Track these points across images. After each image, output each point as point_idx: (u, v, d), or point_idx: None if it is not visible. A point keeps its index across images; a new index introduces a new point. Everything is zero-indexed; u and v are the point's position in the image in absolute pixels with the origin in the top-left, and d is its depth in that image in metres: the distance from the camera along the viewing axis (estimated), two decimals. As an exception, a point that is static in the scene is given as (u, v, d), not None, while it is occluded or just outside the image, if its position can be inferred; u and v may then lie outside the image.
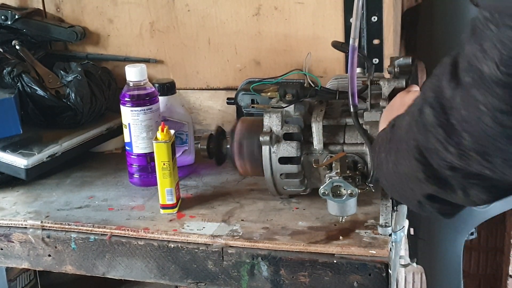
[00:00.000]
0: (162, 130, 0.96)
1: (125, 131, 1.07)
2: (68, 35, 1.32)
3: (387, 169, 0.66)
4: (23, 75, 1.17)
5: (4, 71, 1.17)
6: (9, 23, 1.30)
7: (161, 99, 1.09)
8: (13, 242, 0.99)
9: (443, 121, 0.53)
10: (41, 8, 1.36)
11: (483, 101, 0.49)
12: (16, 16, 1.29)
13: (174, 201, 0.98)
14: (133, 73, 1.05)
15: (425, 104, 0.55)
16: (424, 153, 0.57)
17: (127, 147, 1.08)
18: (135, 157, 1.07)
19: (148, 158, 1.07)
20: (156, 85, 1.11)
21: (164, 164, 0.96)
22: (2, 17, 1.29)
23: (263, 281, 0.89)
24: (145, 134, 1.06)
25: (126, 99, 1.05)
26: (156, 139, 0.96)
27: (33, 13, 1.34)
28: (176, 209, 0.99)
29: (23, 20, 1.30)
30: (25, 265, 1.00)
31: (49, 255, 0.98)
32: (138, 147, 1.06)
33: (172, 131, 0.99)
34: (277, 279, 0.88)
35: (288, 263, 0.87)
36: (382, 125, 0.82)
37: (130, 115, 1.05)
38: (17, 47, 1.27)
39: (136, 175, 1.09)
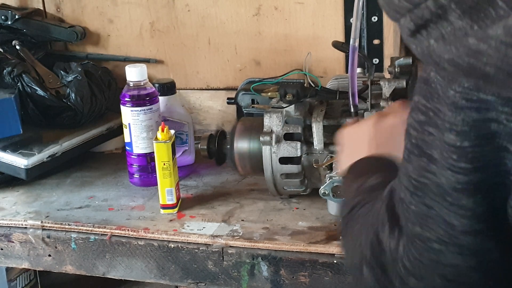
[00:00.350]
0: (162, 130, 0.96)
1: (125, 131, 1.07)
2: (68, 35, 1.32)
3: (346, 238, 0.59)
4: (23, 75, 1.17)
5: (4, 71, 1.17)
6: (9, 23, 1.30)
7: (161, 99, 1.09)
8: (13, 242, 0.99)
9: (384, 283, 0.47)
10: (41, 8, 1.36)
11: (436, 236, 0.42)
12: (16, 16, 1.29)
13: (174, 201, 0.98)
14: (133, 73, 1.05)
15: (364, 262, 0.49)
16: None
17: (127, 147, 1.08)
18: (135, 157, 1.07)
19: (148, 158, 1.07)
20: (156, 85, 1.11)
21: (164, 164, 0.96)
22: (2, 17, 1.29)
23: (263, 281, 0.89)
24: (145, 134, 1.06)
25: (126, 99, 1.05)
26: (156, 139, 0.96)
27: (33, 13, 1.34)
28: (176, 209, 0.99)
29: (23, 20, 1.30)
30: (25, 265, 1.00)
31: (49, 255, 0.98)
32: (138, 147, 1.06)
33: (172, 131, 0.99)
34: (277, 279, 0.88)
35: (288, 263, 0.87)
36: (346, 159, 0.71)
37: (130, 115, 1.05)
38: (17, 47, 1.27)
39: (136, 175, 1.09)
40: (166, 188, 0.97)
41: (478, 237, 0.41)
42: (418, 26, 0.38)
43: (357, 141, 0.71)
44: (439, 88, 0.41)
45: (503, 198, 0.41)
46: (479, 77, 0.36)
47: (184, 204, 1.01)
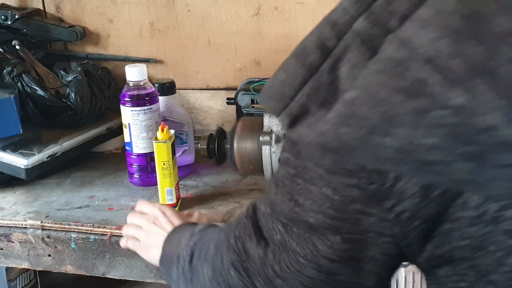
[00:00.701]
0: (162, 130, 0.96)
1: (125, 131, 1.07)
2: (68, 35, 1.32)
3: None
4: (23, 75, 1.17)
5: (4, 71, 1.17)
6: (9, 23, 1.30)
7: (161, 99, 1.09)
8: (13, 242, 0.98)
9: (248, 285, 0.56)
10: (41, 8, 1.36)
11: (304, 253, 0.52)
12: (16, 16, 1.29)
13: (174, 201, 0.98)
14: (133, 73, 1.05)
15: (230, 266, 0.58)
16: None
17: (127, 147, 1.08)
18: (135, 157, 1.07)
19: (148, 158, 1.06)
20: (156, 85, 1.10)
21: (164, 164, 0.96)
22: (2, 17, 1.29)
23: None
24: (145, 134, 1.06)
25: (126, 99, 1.05)
26: (156, 139, 0.96)
27: (33, 13, 1.34)
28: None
29: (23, 20, 1.30)
30: (25, 265, 1.00)
31: (49, 255, 0.97)
32: (138, 147, 1.06)
33: (172, 131, 0.99)
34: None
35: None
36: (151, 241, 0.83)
37: (130, 115, 1.05)
38: (17, 47, 1.27)
39: (136, 175, 1.09)
40: (166, 188, 0.97)
41: (334, 263, 0.51)
42: (291, 121, 0.48)
43: (151, 230, 0.83)
44: (308, 151, 0.50)
45: (361, 248, 0.50)
46: (332, 151, 0.46)
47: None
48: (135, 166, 1.08)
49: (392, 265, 0.53)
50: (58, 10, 1.36)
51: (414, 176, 0.45)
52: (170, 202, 0.98)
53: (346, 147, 0.44)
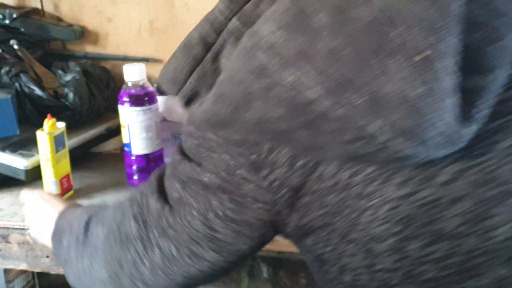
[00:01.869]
0: (48, 122, 0.98)
1: (124, 132, 1.06)
2: (66, 34, 1.31)
3: (77, 268, 0.75)
4: (21, 75, 1.16)
5: (2, 70, 1.16)
6: (7, 22, 1.29)
7: (160, 99, 1.09)
8: (11, 243, 0.98)
9: (143, 235, 0.64)
10: (39, 7, 1.36)
11: (198, 206, 0.59)
12: (14, 15, 1.28)
13: (59, 192, 1.01)
14: (132, 73, 1.04)
15: (131, 218, 0.65)
16: (117, 269, 0.67)
17: (125, 148, 1.07)
18: (134, 158, 1.06)
19: (147, 159, 1.06)
20: (155, 84, 1.10)
21: (46, 155, 0.99)
22: (0, 16, 1.28)
23: (263, 282, 0.88)
24: (144, 135, 1.05)
25: (125, 98, 1.04)
26: (42, 130, 0.99)
27: (31, 12, 1.33)
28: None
29: (21, 19, 1.29)
30: (23, 266, 1.00)
31: (47, 256, 0.97)
32: (138, 148, 1.05)
33: (61, 124, 1.01)
34: (277, 280, 0.87)
35: (288, 264, 0.86)
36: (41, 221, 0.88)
37: (129, 115, 1.04)
38: (15, 46, 1.26)
39: (135, 176, 1.08)
40: (49, 179, 1.01)
41: (218, 219, 0.58)
42: (186, 100, 0.56)
43: (40, 211, 0.89)
44: (200, 125, 0.57)
45: (240, 211, 0.57)
46: (215, 125, 0.54)
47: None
48: (134, 168, 1.07)
49: (265, 234, 0.59)
50: (57, 9, 1.35)
51: (278, 146, 0.52)
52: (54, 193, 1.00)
53: (223, 121, 0.52)
